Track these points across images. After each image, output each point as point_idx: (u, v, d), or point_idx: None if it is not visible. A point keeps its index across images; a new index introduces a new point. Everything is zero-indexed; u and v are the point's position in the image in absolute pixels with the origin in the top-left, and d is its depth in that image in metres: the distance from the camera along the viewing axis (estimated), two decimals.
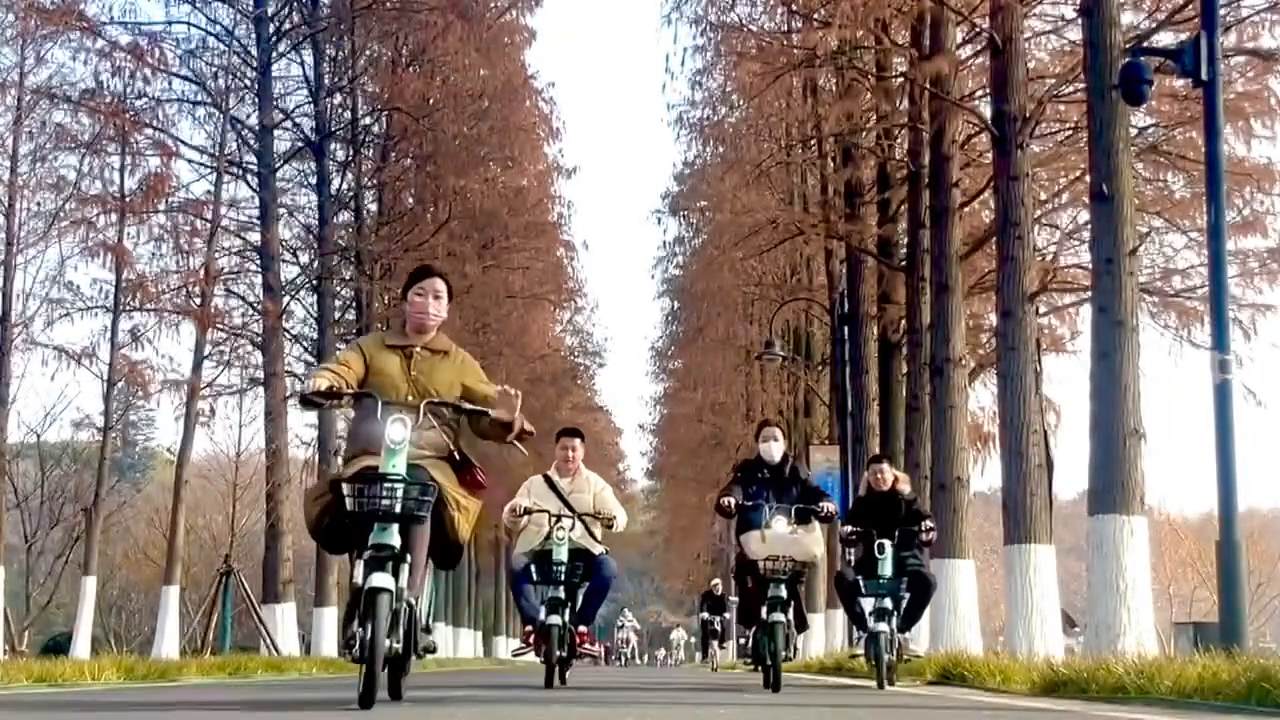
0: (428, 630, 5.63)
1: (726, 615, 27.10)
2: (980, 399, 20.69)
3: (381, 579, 4.96)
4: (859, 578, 10.03)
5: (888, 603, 9.77)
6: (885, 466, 10.59)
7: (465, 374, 5.75)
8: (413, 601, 5.25)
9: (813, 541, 8.73)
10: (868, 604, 9.87)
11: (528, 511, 9.13)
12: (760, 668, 8.85)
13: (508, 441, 5.67)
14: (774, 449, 9.12)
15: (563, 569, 8.84)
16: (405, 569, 5.18)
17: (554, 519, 9.01)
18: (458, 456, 5.58)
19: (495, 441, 5.74)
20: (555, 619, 8.76)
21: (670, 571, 67.32)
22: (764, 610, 8.50)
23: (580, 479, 9.44)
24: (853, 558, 10.73)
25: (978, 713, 5.96)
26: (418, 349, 5.69)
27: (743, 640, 38.82)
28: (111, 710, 5.56)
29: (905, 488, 10.57)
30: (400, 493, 5.05)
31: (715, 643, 25.83)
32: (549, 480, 9.43)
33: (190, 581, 29.43)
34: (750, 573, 8.70)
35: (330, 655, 20.84)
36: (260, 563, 22.93)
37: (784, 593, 8.48)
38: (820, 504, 8.84)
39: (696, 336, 34.87)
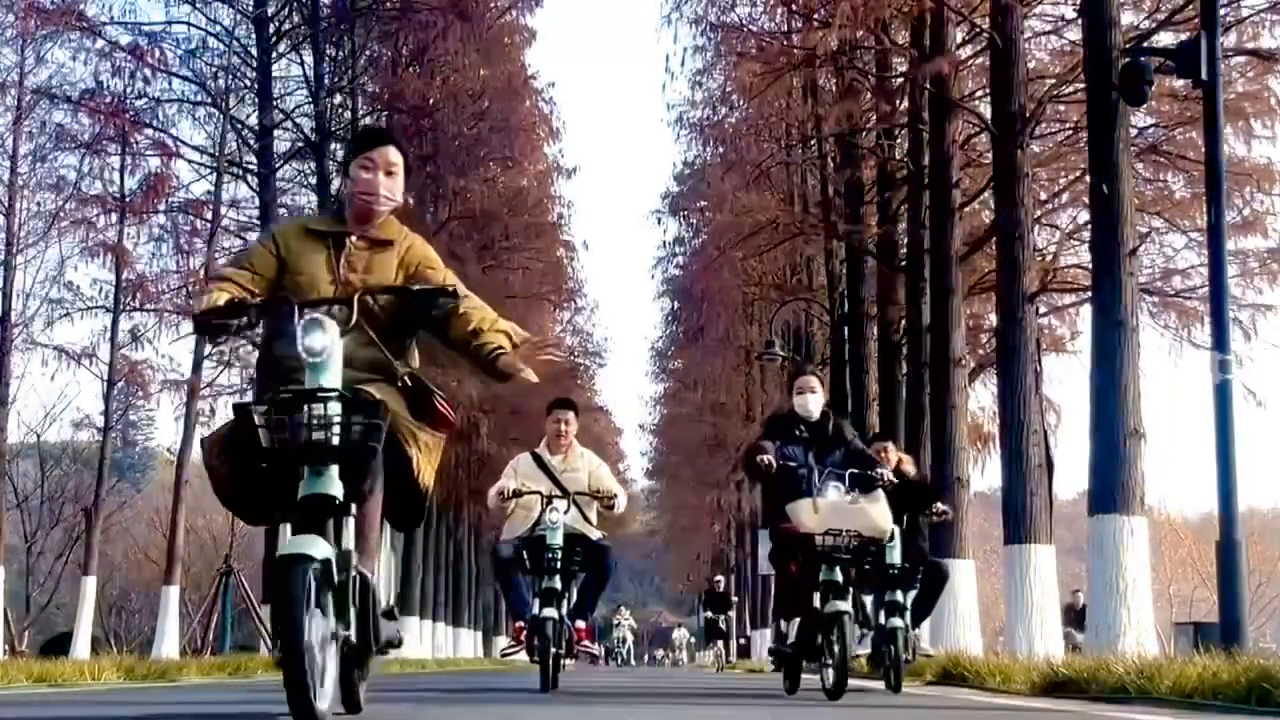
0: (390, 616, 4.20)
1: (730, 613, 26.97)
2: (980, 399, 20.69)
3: (303, 543, 3.49)
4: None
5: (899, 595, 9.02)
6: (890, 447, 9.87)
7: (412, 260, 4.28)
8: (367, 574, 3.80)
9: (879, 513, 7.23)
10: (870, 597, 9.21)
11: (516, 494, 8.17)
12: (788, 670, 7.89)
13: (506, 364, 4.15)
14: (811, 402, 7.73)
15: (558, 556, 7.83)
16: (350, 527, 3.74)
17: (545, 500, 8.04)
18: (408, 380, 4.08)
19: (476, 365, 4.22)
20: (551, 612, 7.80)
21: (670, 571, 67.36)
22: (817, 598, 7.15)
23: (574, 456, 8.49)
24: None
25: (978, 713, 5.96)
26: (352, 239, 4.17)
27: (745, 637, 38.77)
28: (111, 710, 5.55)
29: (910, 469, 9.96)
30: (337, 418, 3.56)
31: (719, 642, 25.74)
32: (538, 458, 8.46)
33: (190, 581, 29.45)
34: (796, 552, 7.30)
35: None
36: (260, 563, 22.94)
37: (840, 575, 7.09)
38: (876, 470, 7.51)
39: (696, 336, 34.90)
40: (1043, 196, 17.68)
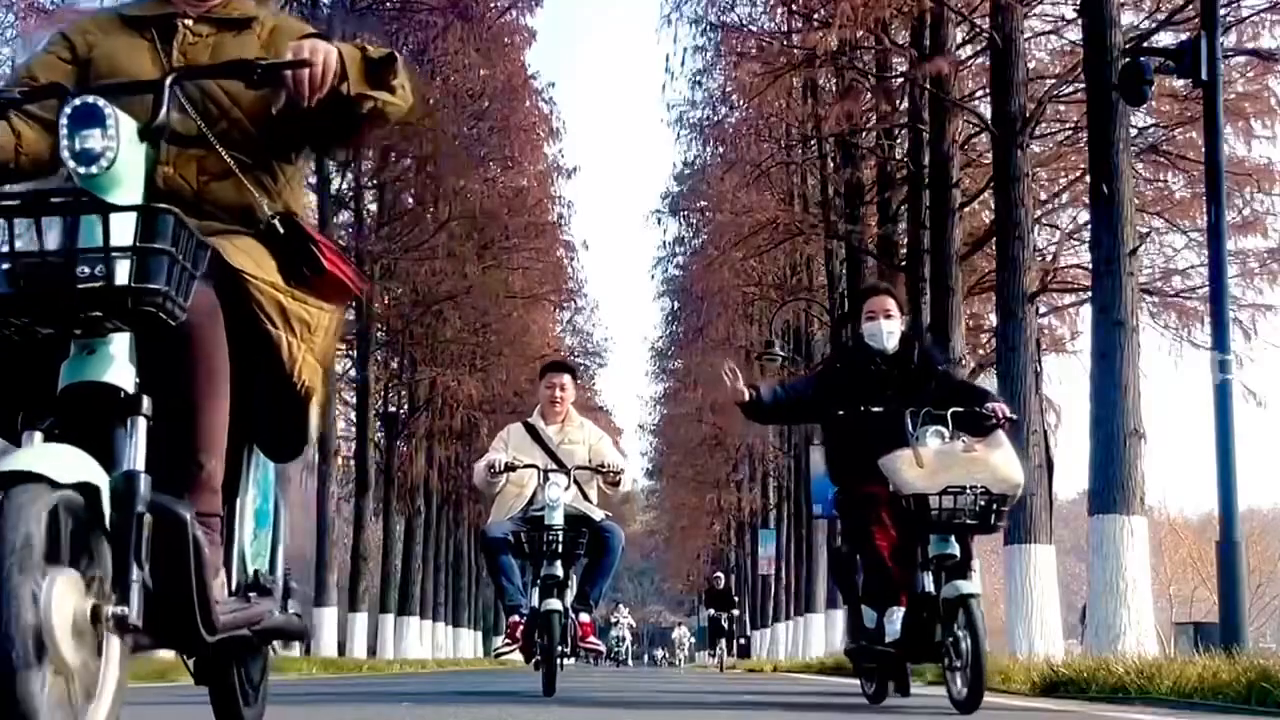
0: (260, 590, 2.70)
1: (734, 611, 26.83)
2: None
3: (37, 457, 2.06)
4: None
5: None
6: None
7: (281, 42, 2.70)
8: (181, 515, 2.27)
9: (1005, 461, 5.51)
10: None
11: (509, 468, 7.14)
12: (886, 672, 6.36)
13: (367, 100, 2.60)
14: (886, 328, 5.99)
15: (559, 539, 6.87)
16: (139, 434, 2.23)
17: (542, 475, 7.07)
18: (278, 224, 2.64)
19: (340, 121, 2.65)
20: (553, 603, 6.83)
21: (670, 571, 67.42)
22: (927, 580, 5.56)
23: (572, 425, 7.49)
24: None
25: (978, 713, 5.95)
26: (186, 21, 2.78)
27: (746, 637, 38.68)
28: None
29: None
30: (124, 248, 2.15)
31: (722, 641, 25.65)
32: (531, 428, 7.45)
33: None
34: (892, 520, 5.73)
35: (330, 655, 20.85)
36: None
37: (957, 548, 5.50)
38: (987, 405, 5.81)
39: (696, 336, 34.91)
40: (1043, 196, 17.69)
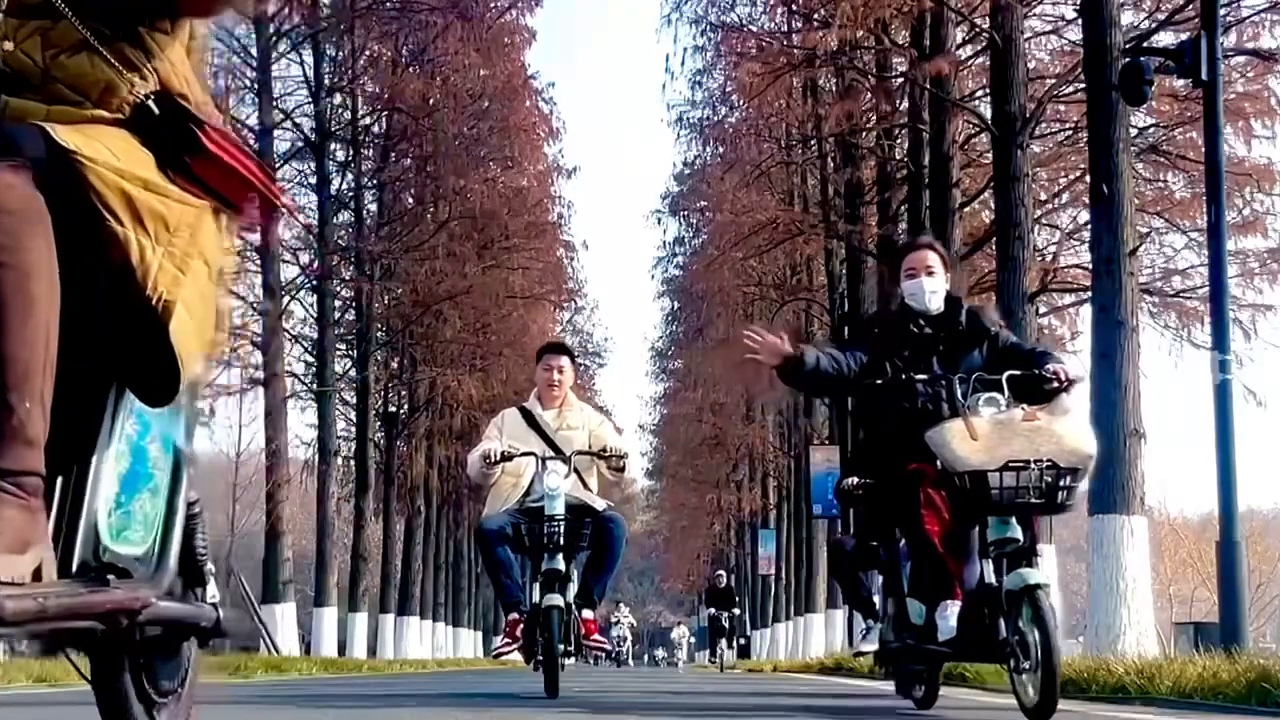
0: (120, 572, 2.08)
1: (735, 610, 26.73)
2: None
3: None
4: (871, 544, 7.56)
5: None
6: None
7: None
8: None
9: (1075, 431, 4.81)
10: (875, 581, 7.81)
11: (505, 457, 6.69)
12: (934, 673, 5.69)
13: None
14: (928, 288, 5.28)
15: (560, 530, 6.45)
16: None
17: (540, 462, 6.64)
18: (152, 104, 2.10)
19: None
20: (555, 599, 6.39)
21: (670, 571, 67.39)
22: (987, 569, 4.85)
23: (570, 410, 7.04)
24: (854, 520, 8.25)
25: (979, 713, 5.96)
26: None
27: (745, 637, 38.71)
28: None
29: None
30: None
31: (723, 641, 25.59)
32: (527, 414, 7.00)
33: None
34: (942, 502, 4.94)
35: (330, 655, 20.86)
36: (260, 563, 22.93)
37: (1019, 531, 4.77)
38: (1049, 367, 5.00)
39: (696, 336, 34.94)
40: (1043, 196, 17.70)
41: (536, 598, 6.50)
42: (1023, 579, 4.63)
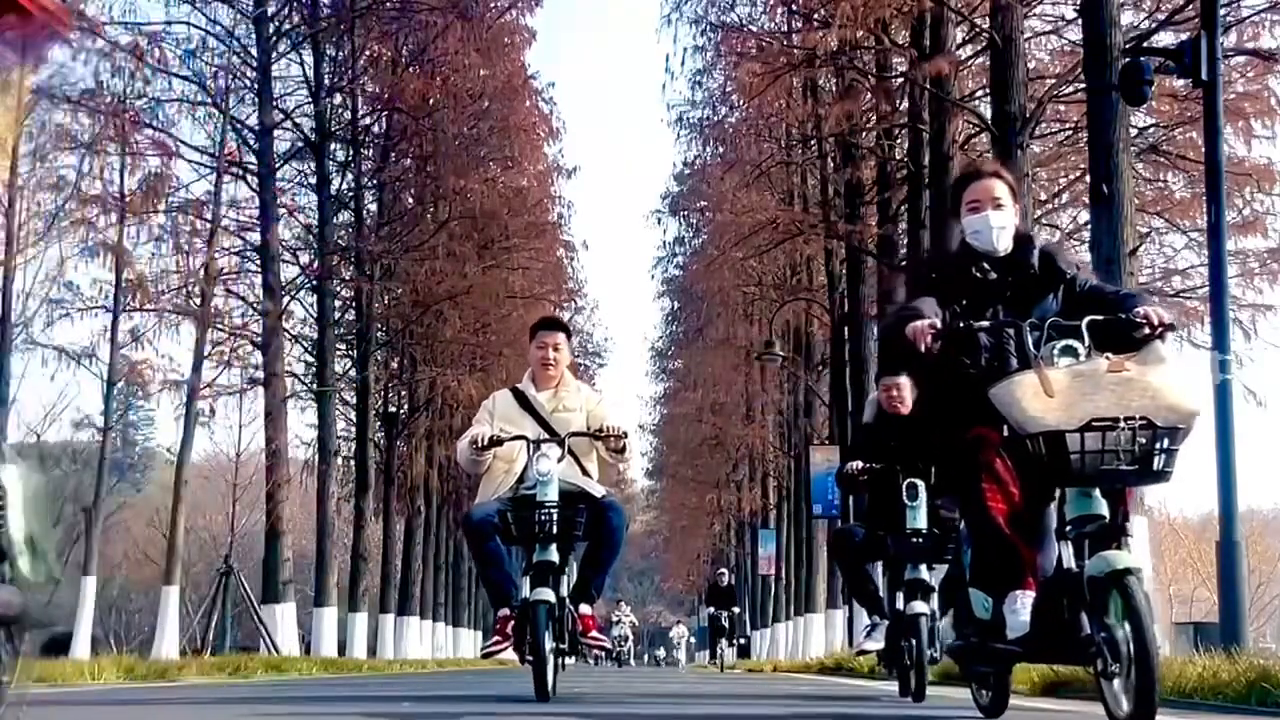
0: None
1: (736, 609, 26.61)
2: None
3: None
4: (879, 535, 7.07)
5: (924, 573, 6.91)
6: (903, 381, 7.21)
7: None
8: None
9: (1171, 380, 3.94)
10: (880, 575, 7.43)
11: (495, 442, 6.23)
12: (1000, 677, 4.67)
13: None
14: (995, 223, 4.40)
15: (553, 518, 5.99)
16: None
17: (533, 445, 6.19)
18: None
19: None
20: (545, 593, 5.92)
21: (670, 571, 67.41)
22: (1065, 552, 3.98)
23: (567, 391, 6.54)
24: (853, 509, 7.82)
25: (978, 713, 5.94)
26: None
27: (745, 637, 38.69)
28: (111, 710, 5.55)
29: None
30: None
31: (723, 640, 25.54)
32: (520, 395, 6.51)
33: (190, 581, 29.47)
34: (994, 471, 4.13)
35: (330, 655, 20.86)
36: (260, 563, 22.93)
37: (1105, 507, 3.96)
38: (1135, 310, 4.11)
39: (696, 336, 34.96)
40: (1043, 196, 17.70)
41: (528, 591, 6.00)
42: (1109, 563, 3.80)
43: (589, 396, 6.58)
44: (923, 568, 6.90)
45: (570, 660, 6.56)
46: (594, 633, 6.27)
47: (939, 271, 4.77)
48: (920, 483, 6.77)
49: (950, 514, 6.67)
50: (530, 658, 5.90)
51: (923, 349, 4.17)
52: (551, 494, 6.01)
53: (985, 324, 4.28)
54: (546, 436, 6.25)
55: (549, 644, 5.86)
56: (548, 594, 5.90)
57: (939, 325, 4.20)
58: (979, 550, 4.37)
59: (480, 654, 6.88)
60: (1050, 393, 3.92)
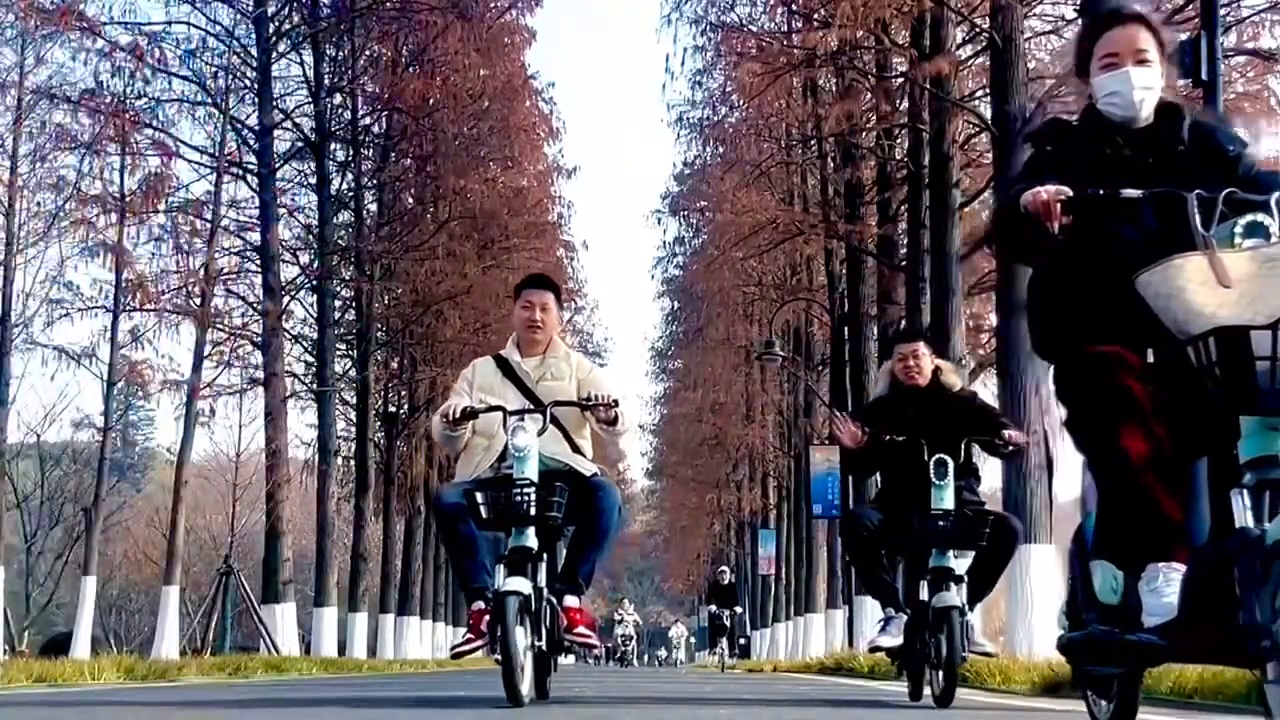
0: None
1: (738, 609, 26.28)
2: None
3: None
4: (899, 516, 6.17)
5: (952, 560, 6.12)
6: (921, 348, 6.45)
7: None
8: None
9: None
10: (899, 562, 6.44)
11: (469, 414, 5.50)
12: (1099, 684, 3.58)
13: None
14: (1139, 83, 3.42)
15: (529, 498, 5.22)
16: None
17: (511, 416, 5.43)
18: None
19: None
20: (517, 582, 5.11)
21: (670, 571, 67.44)
22: (1239, 507, 2.80)
23: (555, 357, 5.80)
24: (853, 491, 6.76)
25: (979, 713, 5.95)
26: None
27: (746, 637, 38.64)
28: (111, 710, 5.55)
29: (953, 379, 6.55)
30: None
31: (724, 640, 25.34)
32: (504, 363, 5.79)
33: (190, 581, 29.48)
34: (1132, 402, 3.05)
35: (330, 655, 20.86)
36: (260, 563, 22.94)
37: None
38: None
39: (696, 336, 34.96)
40: None
41: (501, 580, 5.21)
42: None
43: (581, 364, 5.86)
44: (950, 554, 6.09)
45: (568, 660, 5.91)
46: (581, 628, 5.49)
47: (1061, 145, 3.53)
48: (949, 459, 6.00)
49: (974, 497, 6.25)
50: (498, 658, 5.05)
51: (1054, 226, 3.13)
52: (529, 471, 5.26)
53: (1136, 192, 3.22)
54: (533, 407, 5.54)
55: (522, 641, 5.04)
56: (521, 584, 5.10)
57: (1070, 193, 3.15)
58: (1107, 509, 3.23)
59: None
60: (1226, 282, 2.83)
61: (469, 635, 5.37)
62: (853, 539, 6.37)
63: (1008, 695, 7.93)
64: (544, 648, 5.36)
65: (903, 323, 17.52)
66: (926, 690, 6.29)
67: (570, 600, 5.49)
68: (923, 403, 6.25)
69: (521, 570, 5.20)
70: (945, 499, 5.96)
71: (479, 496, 5.30)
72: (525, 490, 5.23)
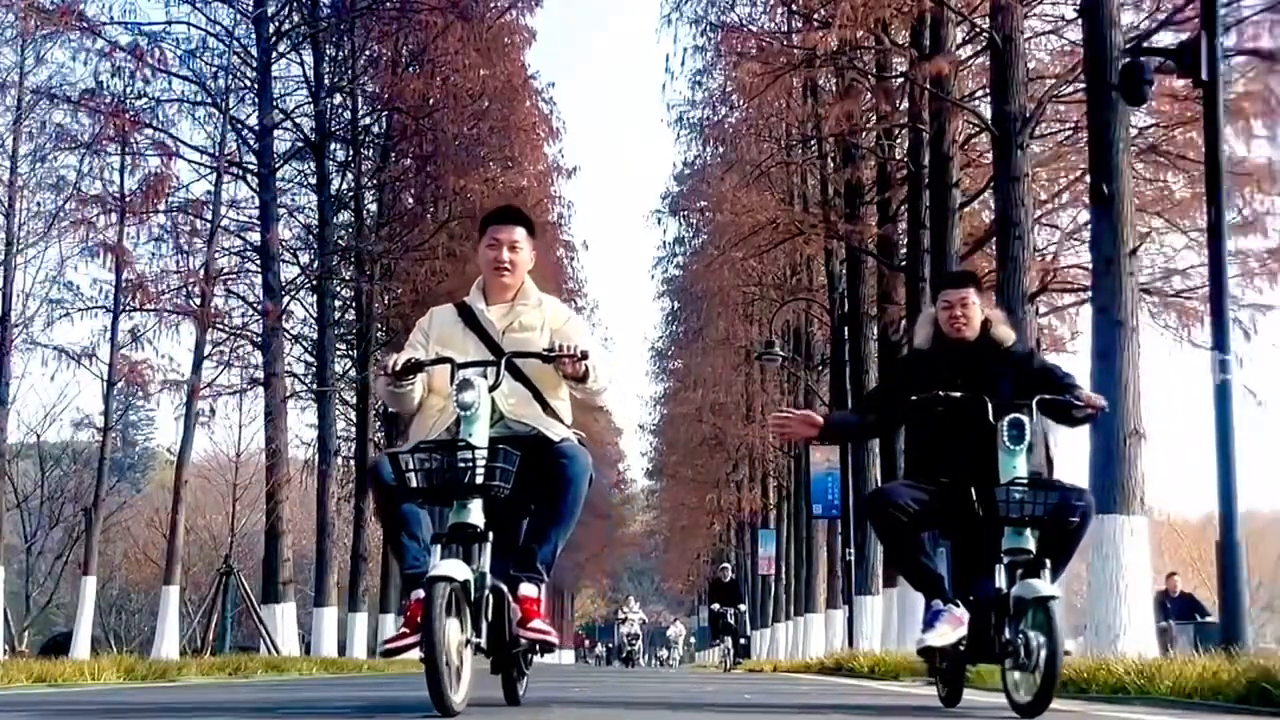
0: None
1: (741, 607, 25.61)
2: None
3: None
4: (944, 485, 5.28)
5: (1027, 539, 5.00)
6: (971, 295, 5.52)
7: None
8: None
9: None
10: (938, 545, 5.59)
11: (413, 367, 4.60)
12: None
13: None
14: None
15: (473, 464, 4.24)
16: None
17: (461, 370, 4.51)
18: None
19: None
20: (452, 567, 4.19)
21: (670, 571, 67.40)
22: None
23: (526, 304, 4.89)
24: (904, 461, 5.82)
25: (978, 713, 5.95)
26: None
27: (746, 637, 38.47)
28: (111, 710, 5.55)
29: (1006, 331, 5.59)
30: None
31: (728, 639, 24.77)
32: (465, 311, 4.88)
33: (190, 581, 29.46)
34: None
35: (330, 655, 20.87)
36: (260, 563, 22.94)
37: None
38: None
39: (696, 336, 34.97)
40: (1043, 196, 17.69)
41: (435, 564, 4.27)
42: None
43: (557, 313, 4.91)
44: (1028, 532, 4.98)
45: (553, 656, 4.66)
46: (536, 622, 4.52)
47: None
48: (1025, 419, 5.04)
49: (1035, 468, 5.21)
50: (423, 656, 4.08)
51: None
52: (477, 433, 4.32)
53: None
54: (491, 357, 4.64)
55: (454, 637, 4.18)
56: (455, 568, 4.17)
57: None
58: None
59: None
60: None
61: (403, 629, 4.46)
62: (888, 521, 5.22)
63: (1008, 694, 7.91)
64: (483, 645, 4.39)
65: (904, 323, 17.54)
66: (967, 693, 5.81)
67: (527, 589, 4.53)
68: (966, 360, 5.39)
69: (459, 552, 4.33)
70: (1018, 466, 5.00)
71: (409, 461, 4.29)
72: (469, 457, 4.25)
